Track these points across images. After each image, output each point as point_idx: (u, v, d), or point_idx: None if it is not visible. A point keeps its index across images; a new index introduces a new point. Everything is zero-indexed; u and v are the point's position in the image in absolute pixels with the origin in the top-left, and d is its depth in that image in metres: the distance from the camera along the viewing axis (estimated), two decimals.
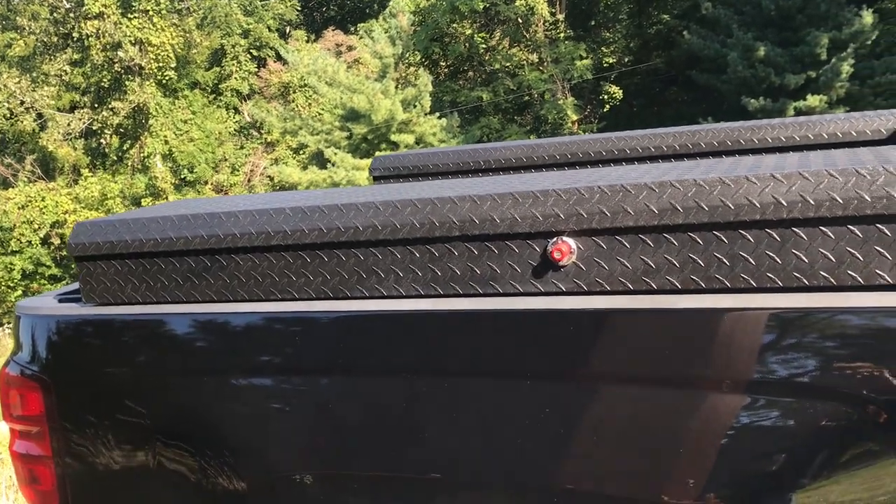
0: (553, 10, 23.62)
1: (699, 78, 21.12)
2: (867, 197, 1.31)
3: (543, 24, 23.47)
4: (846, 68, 18.57)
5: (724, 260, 1.40)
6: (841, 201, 1.32)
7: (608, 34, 25.05)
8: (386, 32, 20.99)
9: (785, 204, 1.35)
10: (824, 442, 1.36)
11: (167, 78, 29.01)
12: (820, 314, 1.35)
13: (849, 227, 1.34)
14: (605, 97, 23.93)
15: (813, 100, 18.44)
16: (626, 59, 24.36)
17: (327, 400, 1.67)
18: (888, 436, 1.30)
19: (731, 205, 1.38)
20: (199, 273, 1.74)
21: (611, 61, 24.39)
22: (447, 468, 1.60)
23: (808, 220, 1.35)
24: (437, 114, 20.84)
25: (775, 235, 1.37)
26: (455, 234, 1.54)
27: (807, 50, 18.85)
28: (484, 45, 24.55)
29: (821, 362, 1.35)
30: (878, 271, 1.33)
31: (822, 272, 1.36)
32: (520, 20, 23.26)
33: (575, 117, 22.74)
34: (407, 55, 21.92)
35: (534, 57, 23.82)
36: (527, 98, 24.15)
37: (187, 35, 29.24)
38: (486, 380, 1.56)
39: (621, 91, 23.82)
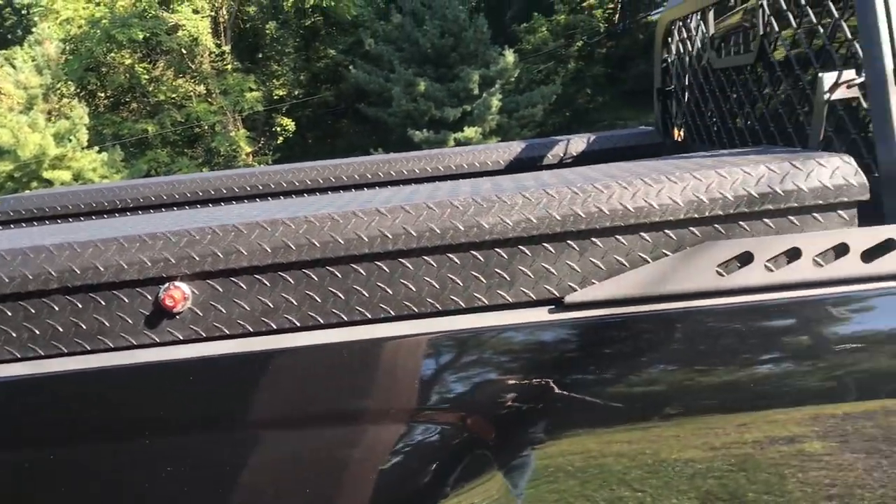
0: (218, 42, 23.21)
1: (367, 111, 22.02)
2: (461, 226, 1.40)
3: (209, 55, 22.95)
4: (495, 102, 20.49)
5: (339, 294, 1.42)
6: (439, 231, 1.40)
7: (277, 67, 25.15)
8: (32, 61, 19.16)
9: (390, 236, 1.40)
10: (440, 461, 1.42)
11: None
12: (428, 339, 1.41)
13: (448, 255, 1.43)
14: (279, 129, 23.97)
15: (470, 132, 20.06)
16: (297, 92, 24.62)
17: None
18: (494, 450, 1.40)
19: (341, 240, 1.40)
20: None
21: (281, 94, 24.51)
22: None
23: (412, 251, 1.42)
24: (97, 148, 19.40)
25: (385, 267, 1.42)
26: (53, 287, 1.40)
27: (461, 85, 20.50)
28: (147, 76, 23.36)
29: (432, 385, 1.42)
30: (475, 294, 1.43)
31: (428, 299, 1.43)
32: (184, 51, 22.51)
33: (249, 149, 22.47)
34: (58, 86, 20.14)
35: (201, 88, 23.16)
36: (197, 130, 23.38)
37: None
38: (113, 444, 1.43)
39: (294, 123, 24.02)
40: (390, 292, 1.43)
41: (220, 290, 1.42)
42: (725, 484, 1.41)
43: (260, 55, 25.22)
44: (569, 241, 1.43)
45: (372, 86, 21.32)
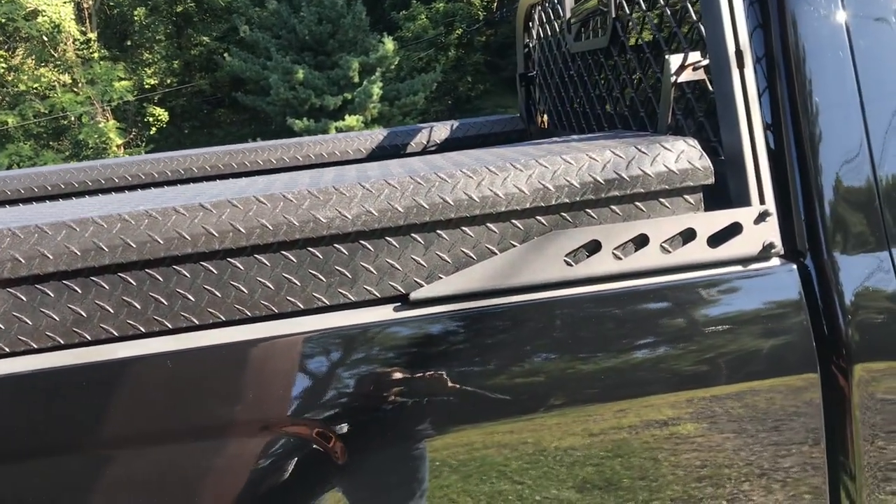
0: (83, 29, 22.01)
1: (245, 100, 21.42)
2: (295, 221, 1.30)
3: (73, 42, 21.72)
4: (376, 90, 20.30)
5: (162, 299, 1.29)
6: (271, 227, 1.29)
7: (148, 55, 24.07)
8: None
9: (216, 234, 1.28)
10: (278, 477, 1.32)
11: None
12: (264, 345, 1.30)
13: (283, 253, 1.32)
14: (151, 119, 22.99)
15: (351, 120, 19.81)
16: (170, 81, 23.67)
17: None
18: (338, 462, 1.31)
19: (160, 239, 1.27)
20: None
21: (153, 82, 23.48)
22: None
23: (242, 250, 1.30)
24: None
25: (212, 268, 1.30)
26: None
27: (341, 73, 20.21)
28: (5, 65, 21.88)
29: (270, 395, 1.31)
30: (315, 294, 1.33)
31: (262, 301, 1.32)
32: (45, 38, 21.22)
33: (120, 141, 21.45)
34: None
35: (66, 78, 21.90)
36: (63, 122, 22.13)
37: None
38: None
39: (167, 113, 23.10)
40: (219, 295, 1.31)
41: (24, 298, 1.26)
42: (586, 475, 1.37)
43: (129, 43, 24.08)
44: (413, 235, 1.35)
45: (248, 74, 20.73)
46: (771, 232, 1.38)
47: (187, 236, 1.27)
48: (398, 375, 1.32)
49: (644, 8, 1.86)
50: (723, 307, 1.41)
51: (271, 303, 1.32)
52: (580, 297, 1.36)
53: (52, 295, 1.27)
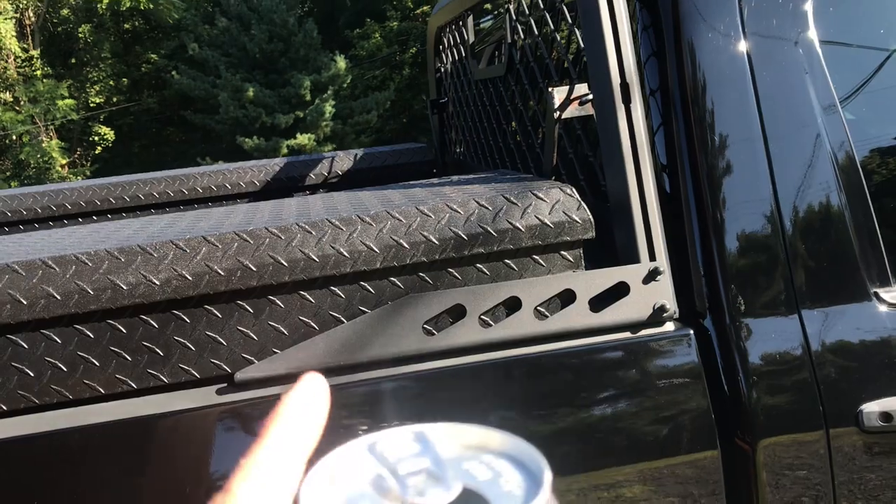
0: (25, 46, 21.44)
1: (194, 118, 21.01)
2: (89, 289, 1.08)
3: (15, 60, 21.15)
4: (329, 109, 20.02)
5: None
6: (60, 297, 1.07)
7: (94, 73, 23.51)
8: None
9: None
10: None
11: None
12: (55, 439, 1.07)
13: (76, 327, 1.09)
14: (97, 139, 22.42)
15: (303, 138, 19.51)
16: (116, 99, 23.13)
17: None
18: None
19: None
20: None
21: (99, 101, 22.93)
22: None
23: (24, 325, 1.07)
24: None
25: None
26: None
27: (292, 91, 19.91)
28: None
29: (66, 500, 1.08)
30: (118, 376, 1.11)
31: (53, 386, 1.09)
32: None
33: (63, 161, 20.87)
34: None
35: (7, 96, 21.29)
36: (6, 141, 21.48)
37: None
38: None
39: (114, 132, 22.56)
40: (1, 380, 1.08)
41: None
42: None
43: (74, 60, 23.50)
44: (239, 302, 1.13)
45: (197, 92, 20.32)
46: (662, 292, 1.19)
47: None
48: (219, 473, 1.10)
49: (536, 34, 1.68)
50: (609, 380, 1.21)
51: (64, 387, 1.10)
52: (442, 370, 1.15)
53: None
